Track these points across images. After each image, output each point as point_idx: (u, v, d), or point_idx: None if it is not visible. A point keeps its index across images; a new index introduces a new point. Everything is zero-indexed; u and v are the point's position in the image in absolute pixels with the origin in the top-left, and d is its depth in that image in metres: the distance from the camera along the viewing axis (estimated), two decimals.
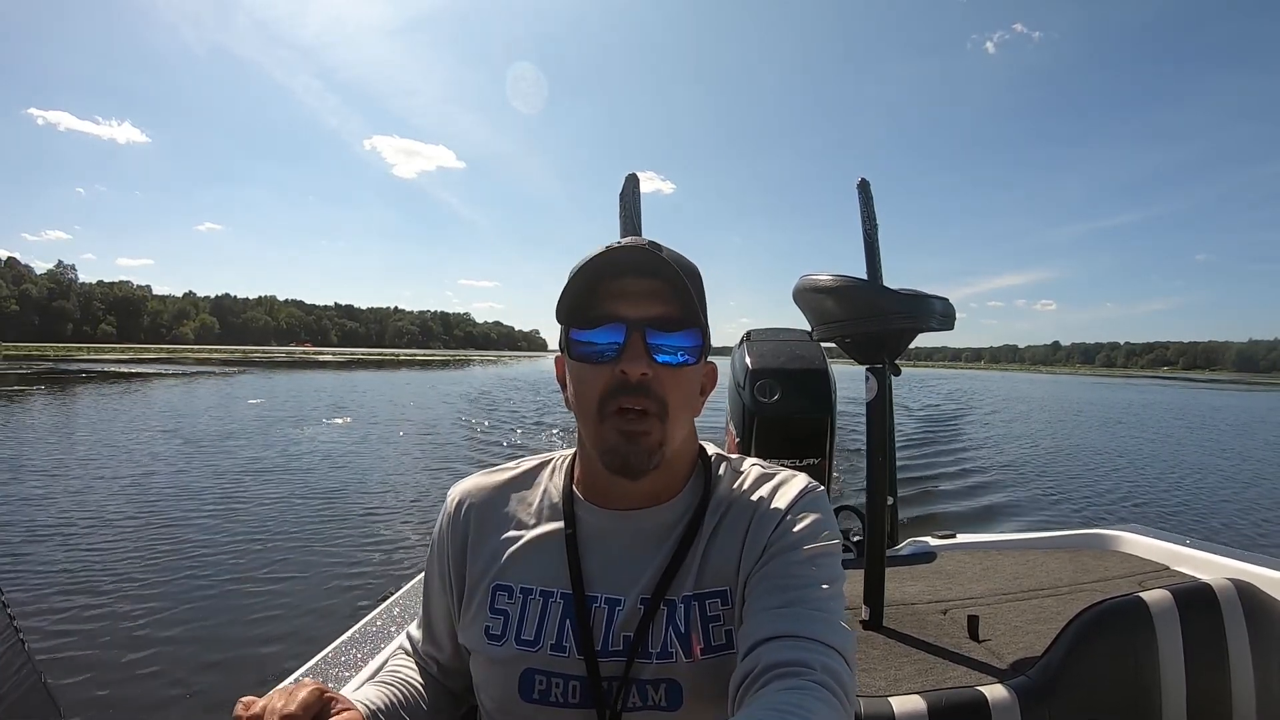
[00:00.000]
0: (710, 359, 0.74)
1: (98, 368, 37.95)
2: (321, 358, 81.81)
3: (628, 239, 0.70)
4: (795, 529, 0.68)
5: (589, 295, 0.68)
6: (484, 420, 14.61)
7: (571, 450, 0.80)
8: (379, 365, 59.68)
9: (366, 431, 12.84)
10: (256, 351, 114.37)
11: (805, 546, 0.66)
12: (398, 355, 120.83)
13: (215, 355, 77.67)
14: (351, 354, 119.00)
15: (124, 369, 36.94)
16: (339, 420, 14.63)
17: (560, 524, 0.73)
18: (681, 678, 0.66)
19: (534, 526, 0.74)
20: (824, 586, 0.64)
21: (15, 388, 21.66)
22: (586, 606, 0.68)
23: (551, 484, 0.78)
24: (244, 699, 0.53)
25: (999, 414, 20.36)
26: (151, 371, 34.84)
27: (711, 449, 0.79)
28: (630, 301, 0.67)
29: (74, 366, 38.81)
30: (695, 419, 0.74)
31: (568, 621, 0.69)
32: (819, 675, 0.55)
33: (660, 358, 0.67)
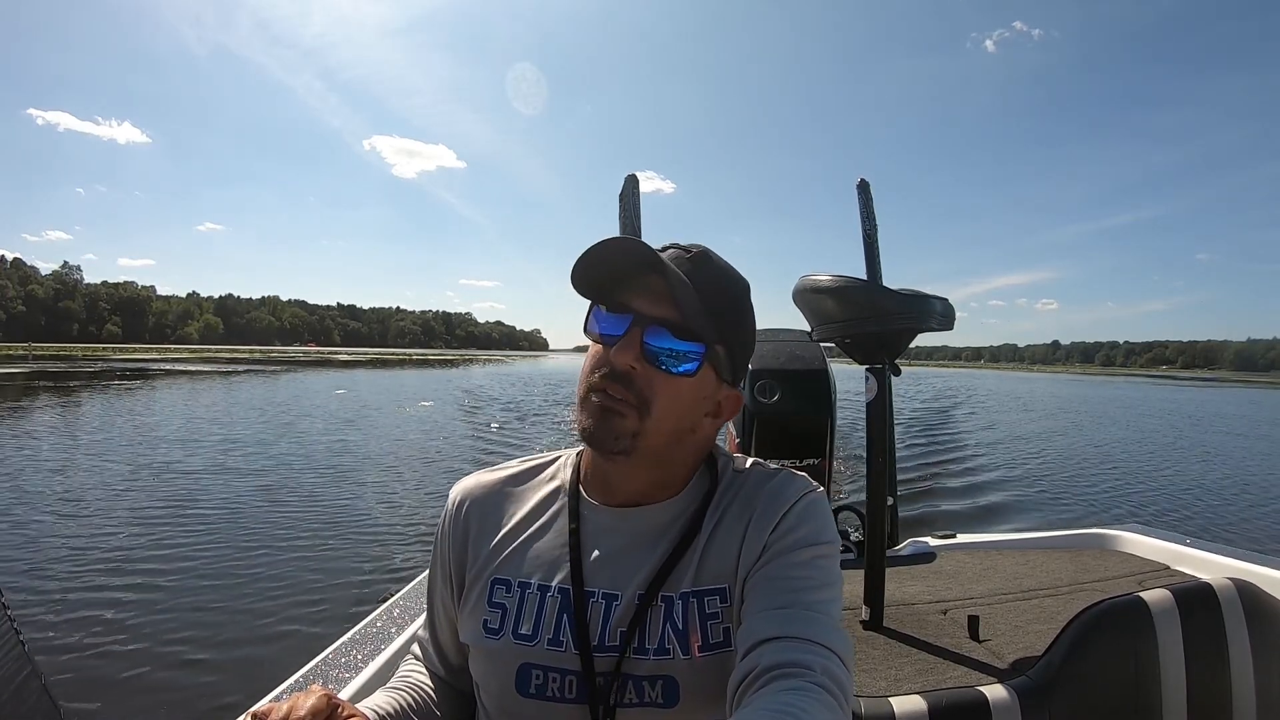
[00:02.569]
0: (739, 387, 0.75)
1: (155, 366, 40.55)
2: (339, 357, 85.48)
3: (672, 244, 0.72)
4: (794, 531, 0.68)
5: (617, 280, 0.69)
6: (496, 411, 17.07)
7: (581, 447, 0.80)
8: (394, 364, 62.24)
9: (448, 411, 16.53)
10: (274, 351, 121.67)
11: (804, 548, 0.67)
12: (410, 355, 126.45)
13: (238, 355, 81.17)
14: (364, 353, 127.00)
15: (180, 368, 39.68)
16: (425, 403, 18.51)
17: (562, 519, 0.74)
18: (679, 675, 0.66)
19: (534, 521, 0.75)
20: (823, 589, 0.64)
21: (117, 383, 24.80)
22: (584, 601, 0.69)
23: (556, 479, 0.78)
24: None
25: (985, 407, 21.64)
26: (209, 370, 37.48)
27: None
28: (648, 297, 0.68)
29: (130, 365, 41.26)
30: (700, 437, 0.73)
31: (565, 616, 0.69)
32: (819, 677, 0.55)
33: (658, 362, 0.67)
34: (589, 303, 0.72)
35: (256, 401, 18.78)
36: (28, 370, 33.02)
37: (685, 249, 0.71)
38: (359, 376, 36.06)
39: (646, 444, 0.68)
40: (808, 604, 0.62)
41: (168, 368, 39.39)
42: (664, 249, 0.72)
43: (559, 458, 0.81)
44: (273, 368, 43.03)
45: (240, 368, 41.71)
